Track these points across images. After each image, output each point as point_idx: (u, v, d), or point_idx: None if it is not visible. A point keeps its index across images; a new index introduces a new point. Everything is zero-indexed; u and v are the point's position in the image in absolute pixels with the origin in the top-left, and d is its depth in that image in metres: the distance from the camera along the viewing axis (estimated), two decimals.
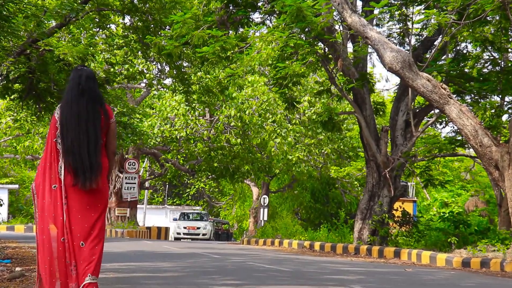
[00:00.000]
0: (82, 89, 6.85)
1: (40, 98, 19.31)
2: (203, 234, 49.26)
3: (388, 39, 19.48)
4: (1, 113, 34.38)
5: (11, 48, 18.00)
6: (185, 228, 49.31)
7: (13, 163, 47.94)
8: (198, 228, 49.42)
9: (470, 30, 21.08)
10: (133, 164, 38.06)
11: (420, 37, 24.93)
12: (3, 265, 12.43)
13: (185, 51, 21.85)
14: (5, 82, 19.01)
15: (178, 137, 39.50)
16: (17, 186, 48.05)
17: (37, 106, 19.77)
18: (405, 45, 24.64)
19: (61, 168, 6.76)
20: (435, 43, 23.69)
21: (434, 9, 19.54)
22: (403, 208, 24.97)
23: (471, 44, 23.58)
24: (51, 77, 18.54)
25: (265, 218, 40.22)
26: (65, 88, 7.13)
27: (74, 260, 6.68)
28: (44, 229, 6.74)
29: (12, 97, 20.25)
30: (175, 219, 51.68)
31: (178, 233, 49.05)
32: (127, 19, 24.43)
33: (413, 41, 24.03)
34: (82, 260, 6.72)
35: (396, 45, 19.37)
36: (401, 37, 24.86)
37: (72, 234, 6.74)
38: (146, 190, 60.56)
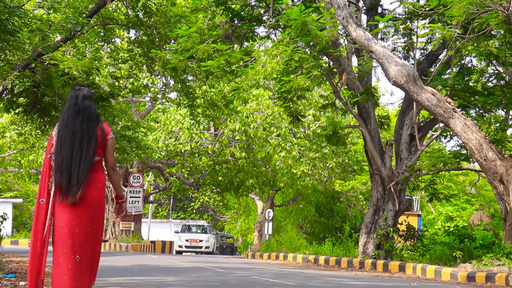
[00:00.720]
0: (78, 108, 7.15)
1: (45, 112, 19.34)
2: (206, 247, 48.62)
3: (393, 53, 19.48)
4: (5, 127, 34.45)
5: (16, 62, 18.06)
6: (187, 241, 48.59)
7: (17, 177, 47.91)
8: (201, 241, 48.73)
9: (475, 44, 21.11)
10: (138, 178, 38.03)
11: (425, 51, 24.94)
12: (7, 280, 12.42)
13: (190, 65, 21.88)
14: (9, 96, 19.06)
15: (182, 151, 39.49)
16: (21, 200, 48.05)
17: (42, 120, 19.80)
18: (410, 59, 24.66)
19: (51, 183, 7.07)
20: (440, 57, 23.70)
21: (439, 23, 19.56)
22: (408, 222, 24.92)
23: (476, 58, 23.60)
24: (56, 91, 18.57)
25: (270, 232, 40.15)
26: (63, 107, 7.45)
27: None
28: (33, 243, 7.08)
29: (16, 111, 20.27)
30: (176, 232, 50.93)
31: (180, 246, 48.30)
32: (132, 33, 24.53)
33: (417, 55, 24.05)
34: (73, 273, 6.96)
35: (400, 59, 19.39)
36: (405, 51, 24.87)
37: (57, 248, 6.98)
38: (150, 204, 60.61)
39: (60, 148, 7.06)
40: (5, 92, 18.63)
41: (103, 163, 7.31)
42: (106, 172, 7.45)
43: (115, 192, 7.59)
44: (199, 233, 50.45)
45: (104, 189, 7.22)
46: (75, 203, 6.98)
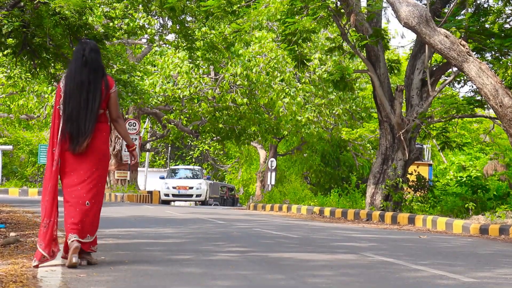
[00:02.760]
0: (85, 60, 7.98)
1: (35, 54, 19.23)
2: (197, 195, 44.39)
3: None
4: None
5: (4, 0, 17.92)
6: (174, 188, 44.11)
7: (6, 123, 47.92)
8: (191, 188, 44.23)
9: None
10: (134, 124, 38.00)
11: None
12: None
13: (188, 4, 21.73)
14: None
15: (181, 97, 39.43)
16: (11, 147, 47.93)
17: (32, 63, 19.70)
18: None
19: (60, 133, 7.89)
20: None
21: None
22: (418, 172, 24.96)
23: None
24: (46, 31, 18.44)
25: (273, 182, 40.24)
26: (70, 59, 8.32)
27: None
28: (45, 190, 7.89)
29: (5, 52, 20.19)
30: (162, 178, 46.10)
31: (166, 195, 44.01)
32: None
33: None
34: (71, 217, 7.82)
35: None
36: None
37: (67, 194, 7.87)
38: (147, 152, 60.63)
39: (69, 100, 7.89)
40: None
41: (107, 114, 8.14)
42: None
43: (125, 141, 8.50)
44: (188, 178, 45.98)
45: (108, 138, 8.11)
46: (82, 152, 7.84)
